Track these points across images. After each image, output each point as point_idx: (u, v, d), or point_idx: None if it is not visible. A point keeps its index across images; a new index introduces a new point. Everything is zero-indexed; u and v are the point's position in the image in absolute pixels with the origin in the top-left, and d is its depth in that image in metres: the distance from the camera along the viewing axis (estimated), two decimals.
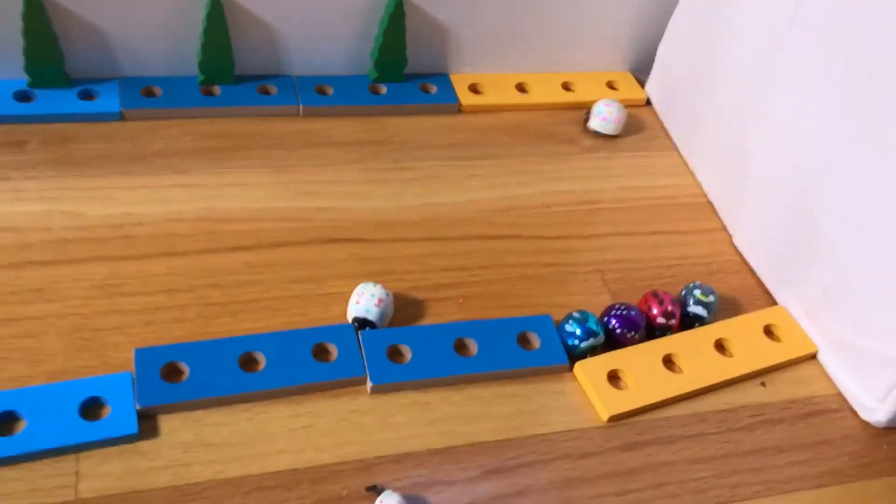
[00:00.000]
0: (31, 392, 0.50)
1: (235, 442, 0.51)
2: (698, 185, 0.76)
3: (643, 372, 0.58)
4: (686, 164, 0.77)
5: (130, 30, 0.69)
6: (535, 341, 0.59)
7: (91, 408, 0.51)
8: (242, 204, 0.65)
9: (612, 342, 0.60)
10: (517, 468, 0.53)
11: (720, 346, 0.61)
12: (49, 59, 0.68)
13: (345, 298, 0.60)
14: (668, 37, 0.80)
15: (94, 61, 0.70)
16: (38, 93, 0.69)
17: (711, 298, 0.62)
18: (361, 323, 0.57)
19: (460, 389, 0.56)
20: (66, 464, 0.48)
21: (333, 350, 0.56)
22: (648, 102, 0.84)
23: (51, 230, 0.60)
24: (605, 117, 0.77)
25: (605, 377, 0.58)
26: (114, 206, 0.63)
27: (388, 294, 0.58)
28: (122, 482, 0.48)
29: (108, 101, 0.70)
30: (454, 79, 0.80)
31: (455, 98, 0.78)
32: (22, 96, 0.69)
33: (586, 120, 0.76)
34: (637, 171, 0.76)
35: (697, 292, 0.62)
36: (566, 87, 0.83)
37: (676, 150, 0.79)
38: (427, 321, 0.60)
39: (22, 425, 0.49)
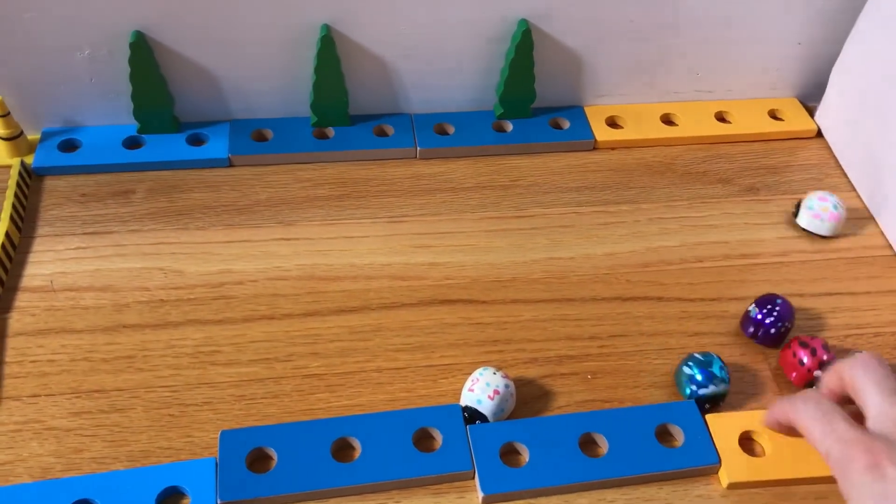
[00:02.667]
0: (107, 478, 0.46)
1: None
2: (882, 235, 0.63)
3: (786, 440, 0.49)
4: (867, 209, 0.65)
5: (240, 71, 0.65)
6: (679, 435, 0.50)
7: (170, 498, 0.46)
8: (350, 259, 0.60)
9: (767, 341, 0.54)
10: None
11: None
12: (158, 104, 0.65)
13: (455, 371, 0.53)
14: (845, 58, 0.68)
15: (204, 104, 0.67)
16: (148, 139, 0.66)
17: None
18: (472, 414, 0.50)
19: (585, 494, 0.48)
20: None
21: (438, 437, 0.49)
22: (819, 134, 0.72)
23: (148, 290, 0.57)
24: (817, 213, 0.63)
25: (736, 436, 0.49)
26: (214, 263, 0.59)
27: (508, 385, 0.50)
28: None
29: (217, 146, 0.66)
30: (589, 111, 0.71)
31: (590, 133, 0.69)
32: (131, 142, 0.66)
33: (795, 213, 0.64)
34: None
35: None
36: (720, 117, 0.72)
37: (854, 191, 0.67)
38: (548, 402, 0.52)
39: None
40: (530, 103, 0.69)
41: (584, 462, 0.48)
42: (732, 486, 0.48)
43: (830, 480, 0.47)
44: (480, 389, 0.49)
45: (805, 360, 0.52)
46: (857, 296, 0.59)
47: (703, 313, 0.57)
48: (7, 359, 0.53)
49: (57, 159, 0.64)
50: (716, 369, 0.51)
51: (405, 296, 0.58)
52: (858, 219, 0.65)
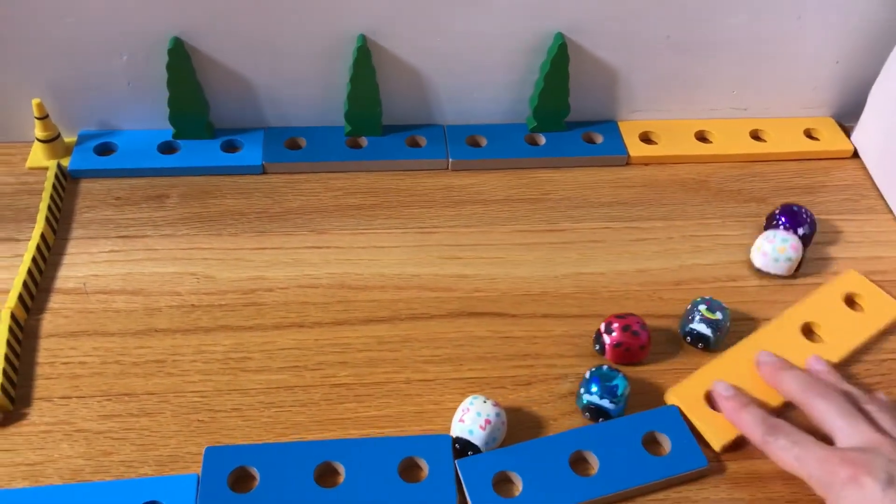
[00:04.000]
0: (88, 489, 0.47)
1: None
2: None
3: (742, 385, 0.52)
4: None
5: (276, 79, 0.66)
6: (665, 442, 0.50)
7: None
8: (379, 269, 0.60)
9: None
10: None
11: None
12: (194, 109, 0.65)
13: (483, 385, 0.53)
14: (884, 78, 0.67)
15: (239, 112, 0.67)
16: (183, 144, 0.67)
17: (719, 316, 0.55)
18: (464, 445, 0.49)
19: None
20: None
21: (424, 467, 0.48)
22: (856, 154, 0.71)
23: (179, 294, 0.57)
24: (767, 252, 0.60)
25: (702, 401, 0.52)
26: (245, 269, 0.59)
27: (499, 414, 0.49)
28: None
29: (251, 153, 0.66)
30: (623, 127, 0.71)
31: (623, 149, 0.69)
32: (166, 147, 0.67)
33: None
34: (840, 238, 0.64)
35: (703, 307, 0.55)
36: (756, 135, 0.71)
37: (891, 213, 0.66)
38: (578, 418, 0.52)
39: None
40: (564, 117, 0.69)
41: (577, 483, 0.47)
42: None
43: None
44: (471, 420, 0.49)
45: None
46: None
47: (736, 333, 0.56)
48: (39, 360, 0.53)
49: (93, 162, 0.65)
50: (621, 389, 0.51)
51: (434, 307, 0.58)
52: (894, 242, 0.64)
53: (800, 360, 0.53)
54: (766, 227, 0.62)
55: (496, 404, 0.50)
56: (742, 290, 0.60)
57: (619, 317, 0.54)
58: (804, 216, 0.61)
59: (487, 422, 0.49)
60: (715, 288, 0.60)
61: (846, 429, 0.45)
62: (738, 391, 0.51)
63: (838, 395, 0.48)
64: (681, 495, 0.48)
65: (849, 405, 0.47)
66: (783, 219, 0.61)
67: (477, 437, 0.48)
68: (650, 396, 0.53)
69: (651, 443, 0.50)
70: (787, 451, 0.45)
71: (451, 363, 0.54)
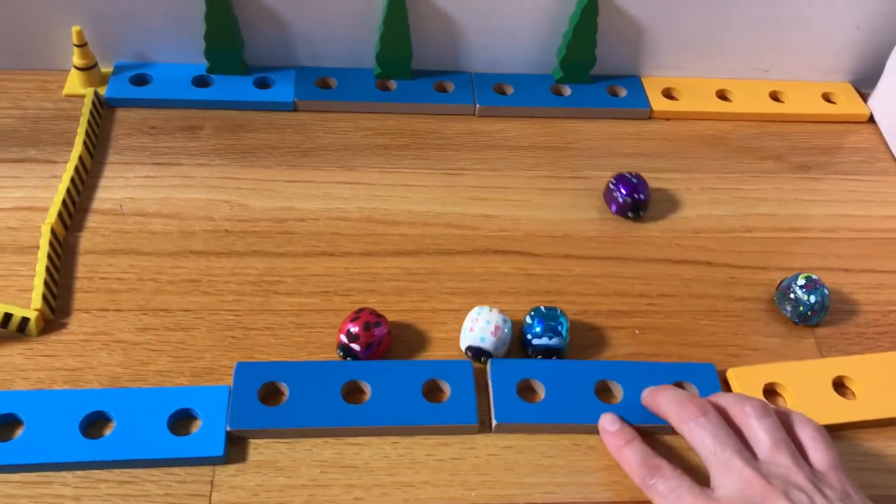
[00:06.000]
0: (124, 394, 0.48)
1: (377, 467, 0.47)
2: None
3: (807, 391, 0.51)
4: None
5: (310, 18, 0.67)
6: (692, 392, 0.51)
7: (181, 420, 0.48)
8: (407, 206, 0.61)
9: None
10: None
11: None
12: (229, 45, 0.67)
13: (508, 317, 0.55)
14: None
15: (273, 49, 0.69)
16: (216, 78, 0.68)
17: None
18: (476, 352, 0.51)
19: (596, 436, 0.49)
20: (202, 470, 0.46)
21: (446, 389, 0.50)
22: (871, 119, 0.73)
23: (213, 220, 0.59)
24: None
25: (760, 389, 0.52)
26: (277, 200, 0.61)
27: (506, 321, 0.52)
28: (255, 498, 0.45)
29: (282, 90, 0.68)
30: (646, 82, 0.72)
31: (646, 103, 0.70)
32: (200, 81, 0.68)
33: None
34: (853, 198, 0.66)
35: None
36: (775, 96, 0.73)
37: None
38: (597, 352, 0.54)
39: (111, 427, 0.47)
40: (590, 69, 0.70)
41: (597, 406, 0.50)
42: None
43: (857, 426, 0.50)
44: (481, 328, 0.51)
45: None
46: None
47: (750, 280, 0.59)
48: (78, 274, 0.55)
49: (129, 92, 0.66)
50: (562, 326, 0.52)
51: (460, 244, 0.59)
52: None
53: None
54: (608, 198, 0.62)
55: (501, 311, 0.52)
56: (757, 240, 0.62)
57: (352, 320, 0.51)
58: (636, 183, 0.61)
59: (497, 328, 0.51)
60: (732, 237, 0.61)
61: (717, 467, 0.43)
62: (624, 426, 0.48)
63: (714, 418, 0.45)
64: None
65: (780, 433, 0.45)
66: (621, 188, 0.61)
67: (489, 343, 0.51)
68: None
69: None
70: (665, 498, 0.44)
71: (475, 296, 0.56)
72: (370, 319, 0.51)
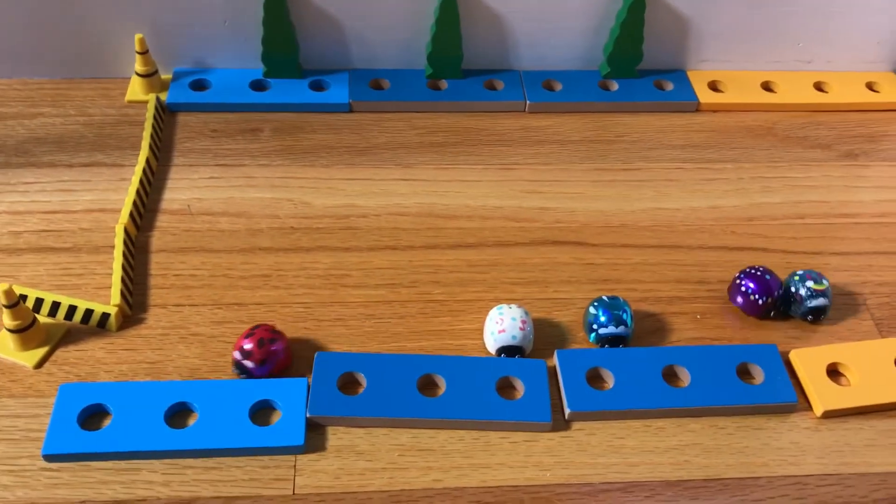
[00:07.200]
0: (206, 386, 0.50)
1: (453, 450, 0.48)
2: None
3: (870, 370, 0.52)
4: None
5: (364, 21, 0.69)
6: (758, 375, 0.52)
7: (262, 411, 0.49)
8: (465, 201, 0.63)
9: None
10: None
11: None
12: (285, 49, 0.68)
13: (569, 305, 0.56)
14: None
15: (327, 53, 0.70)
16: (273, 82, 0.70)
17: (825, 284, 0.55)
18: (509, 352, 0.52)
19: (668, 420, 0.50)
20: (285, 456, 0.47)
21: (520, 387, 0.51)
22: None
23: (279, 218, 0.61)
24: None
25: (823, 369, 0.52)
26: (339, 197, 0.62)
27: (527, 313, 0.53)
28: (338, 481, 0.46)
29: (337, 92, 0.69)
30: (692, 75, 0.73)
31: (693, 95, 0.71)
32: (258, 85, 0.70)
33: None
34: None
35: (810, 283, 0.55)
36: (819, 87, 0.74)
37: None
38: (661, 337, 0.55)
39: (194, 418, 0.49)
40: (636, 64, 0.72)
41: (666, 390, 0.51)
42: (827, 415, 0.50)
43: None
44: (510, 326, 0.51)
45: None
46: None
47: (806, 265, 0.59)
48: (152, 272, 0.57)
49: (190, 97, 0.68)
50: (625, 314, 0.53)
51: (518, 236, 0.61)
52: None
53: None
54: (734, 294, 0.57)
55: (520, 306, 0.53)
56: (810, 226, 0.62)
57: (247, 336, 0.50)
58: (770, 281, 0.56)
59: (524, 322, 0.52)
60: (785, 224, 0.62)
61: None
62: None
63: None
64: (765, 425, 0.51)
65: None
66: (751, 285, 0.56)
67: (521, 339, 0.51)
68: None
69: (744, 373, 0.53)
70: None
71: (537, 285, 0.57)
72: (265, 336, 0.50)
